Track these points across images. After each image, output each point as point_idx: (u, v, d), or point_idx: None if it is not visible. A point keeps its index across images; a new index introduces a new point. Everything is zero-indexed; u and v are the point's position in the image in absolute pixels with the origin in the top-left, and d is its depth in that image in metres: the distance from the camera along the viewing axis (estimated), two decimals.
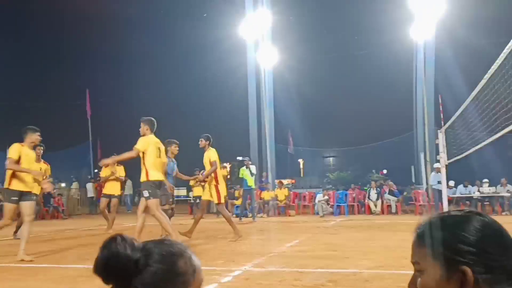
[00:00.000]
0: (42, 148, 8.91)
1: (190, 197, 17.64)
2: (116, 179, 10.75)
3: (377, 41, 29.59)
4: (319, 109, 35.26)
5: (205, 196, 8.90)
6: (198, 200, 16.53)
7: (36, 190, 7.84)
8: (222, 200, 8.52)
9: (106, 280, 0.94)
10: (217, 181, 8.43)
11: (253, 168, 14.29)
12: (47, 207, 17.29)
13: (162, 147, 7.29)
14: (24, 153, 6.43)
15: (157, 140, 7.16)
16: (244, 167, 14.13)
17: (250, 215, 14.26)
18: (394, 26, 22.35)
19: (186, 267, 0.96)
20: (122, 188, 13.24)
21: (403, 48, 21.69)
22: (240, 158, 23.58)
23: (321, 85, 34.04)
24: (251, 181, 13.91)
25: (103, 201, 10.80)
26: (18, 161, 6.34)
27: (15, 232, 8.99)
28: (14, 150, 6.40)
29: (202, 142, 8.63)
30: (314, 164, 36.21)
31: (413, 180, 21.22)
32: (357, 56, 32.05)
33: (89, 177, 23.87)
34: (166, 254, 0.96)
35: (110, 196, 10.71)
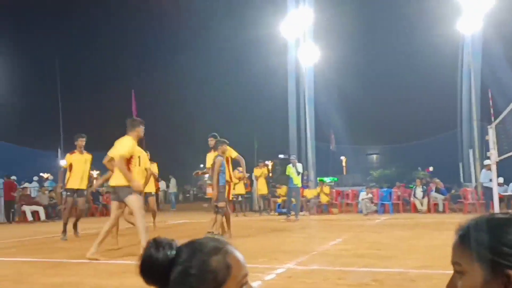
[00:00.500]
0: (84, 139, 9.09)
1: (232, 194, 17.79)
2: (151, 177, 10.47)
3: (421, 37, 28.83)
4: (361, 106, 34.72)
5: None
6: (240, 198, 16.69)
7: (83, 186, 8.22)
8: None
9: (147, 283, 1.00)
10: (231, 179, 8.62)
11: (300, 167, 14.07)
12: (96, 205, 17.93)
13: (143, 155, 7.32)
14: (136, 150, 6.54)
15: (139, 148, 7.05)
16: (291, 165, 13.83)
17: (293, 213, 14.17)
18: (438, 21, 21.72)
19: (217, 265, 0.96)
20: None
21: (448, 43, 21.03)
22: (282, 156, 23.53)
23: (363, 82, 33.52)
24: (297, 180, 13.65)
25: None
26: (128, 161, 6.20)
27: (75, 230, 9.24)
28: (129, 146, 6.24)
29: (212, 141, 8.68)
30: (356, 161, 35.68)
31: (462, 178, 20.51)
32: (400, 52, 31.34)
33: None
34: (194, 252, 0.98)
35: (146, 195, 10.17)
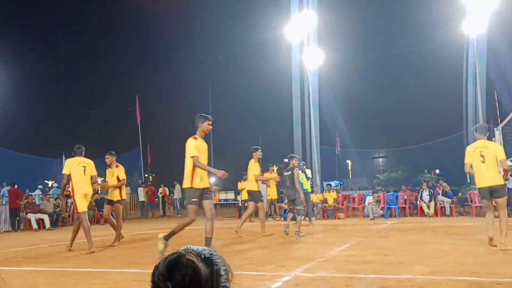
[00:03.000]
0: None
1: (238, 200, 17.77)
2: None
3: (427, 38, 28.81)
4: (367, 109, 34.69)
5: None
6: (246, 204, 16.64)
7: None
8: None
9: None
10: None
11: (309, 172, 14.28)
12: (101, 212, 17.92)
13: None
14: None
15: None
16: (300, 171, 14.02)
17: (306, 218, 14.27)
18: (443, 22, 21.70)
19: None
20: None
21: (454, 44, 20.97)
22: (287, 160, 23.39)
23: (368, 84, 33.51)
24: (307, 185, 13.94)
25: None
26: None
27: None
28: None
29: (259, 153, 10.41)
30: (363, 165, 35.58)
31: (468, 180, 20.35)
32: (406, 54, 31.28)
33: (140, 181, 24.54)
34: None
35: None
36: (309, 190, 14.14)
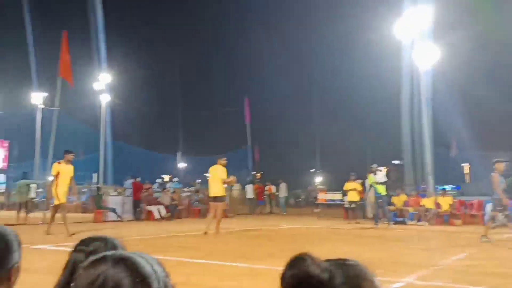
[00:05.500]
0: None
1: (344, 201, 17.46)
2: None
3: None
4: (487, 108, 31.88)
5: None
6: (352, 205, 16.33)
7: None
8: None
9: None
10: None
11: (383, 176, 14.01)
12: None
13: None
14: None
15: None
16: (372, 174, 14.10)
17: (385, 221, 14.04)
18: None
19: None
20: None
21: None
22: (396, 162, 22.48)
23: (490, 82, 30.75)
24: (380, 188, 13.88)
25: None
26: None
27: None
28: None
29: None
30: (482, 169, 32.83)
31: None
32: None
33: (248, 179, 25.26)
34: (351, 276, 0.93)
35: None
36: (383, 193, 13.90)
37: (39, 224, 10.57)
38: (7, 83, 32.08)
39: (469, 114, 27.92)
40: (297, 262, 0.93)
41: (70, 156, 10.04)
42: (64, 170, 9.90)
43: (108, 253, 0.90)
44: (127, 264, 0.86)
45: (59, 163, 10.04)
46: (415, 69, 18.48)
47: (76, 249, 1.30)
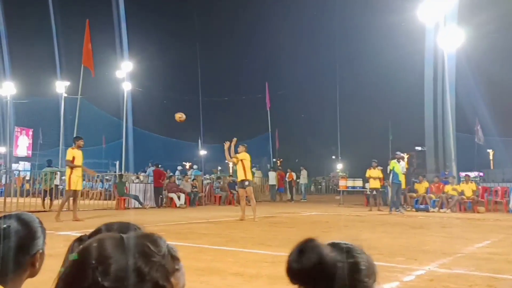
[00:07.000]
0: None
1: (366, 188, 17.36)
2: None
3: None
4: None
5: None
6: (374, 192, 16.21)
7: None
8: None
9: (305, 284, 0.92)
10: None
11: (403, 165, 14.09)
12: (232, 193, 18.92)
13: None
14: None
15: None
16: (395, 161, 14.10)
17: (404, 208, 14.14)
18: None
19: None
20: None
21: None
22: (419, 148, 22.15)
23: None
24: (401, 176, 13.94)
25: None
26: None
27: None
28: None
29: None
30: (507, 155, 32.13)
31: None
32: None
33: (269, 166, 25.27)
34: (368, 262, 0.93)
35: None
36: (403, 181, 14.11)
37: (64, 210, 10.83)
38: (32, 73, 32.71)
39: (494, 99, 27.28)
40: (309, 246, 0.92)
41: (81, 142, 10.42)
42: (78, 155, 10.34)
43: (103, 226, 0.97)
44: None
45: (73, 148, 10.39)
46: (439, 53, 18.11)
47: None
